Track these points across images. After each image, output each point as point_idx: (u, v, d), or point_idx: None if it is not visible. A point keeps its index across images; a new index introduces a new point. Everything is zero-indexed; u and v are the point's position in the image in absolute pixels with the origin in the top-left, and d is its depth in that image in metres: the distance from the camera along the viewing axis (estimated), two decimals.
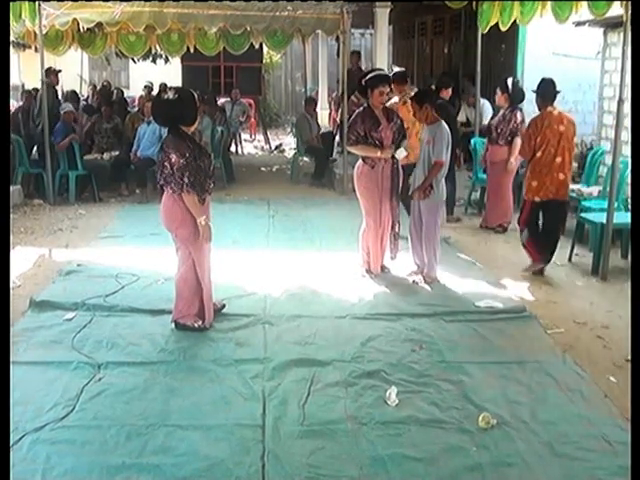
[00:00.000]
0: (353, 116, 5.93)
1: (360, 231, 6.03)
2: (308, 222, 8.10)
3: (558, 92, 5.97)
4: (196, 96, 4.61)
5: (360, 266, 6.08)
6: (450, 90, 8.00)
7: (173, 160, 4.45)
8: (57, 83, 11.03)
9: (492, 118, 7.94)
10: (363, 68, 12.36)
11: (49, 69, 10.12)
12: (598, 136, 8.80)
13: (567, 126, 5.93)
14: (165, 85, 13.31)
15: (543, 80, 6.03)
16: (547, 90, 5.96)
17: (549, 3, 7.00)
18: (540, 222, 6.14)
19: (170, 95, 4.50)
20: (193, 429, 3.52)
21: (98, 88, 15.27)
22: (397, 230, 5.96)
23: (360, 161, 5.88)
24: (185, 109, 4.50)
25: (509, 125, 7.47)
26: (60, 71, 10.95)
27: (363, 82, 5.80)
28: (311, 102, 11.61)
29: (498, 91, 7.55)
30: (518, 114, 7.46)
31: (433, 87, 7.94)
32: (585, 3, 6.36)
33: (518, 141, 7.13)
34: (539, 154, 5.92)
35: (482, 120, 9.43)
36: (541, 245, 6.07)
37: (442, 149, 5.69)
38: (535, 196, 5.99)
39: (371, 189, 5.81)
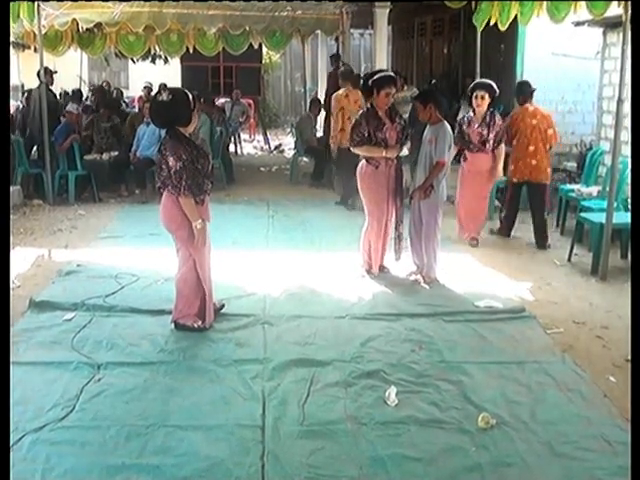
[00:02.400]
0: (357, 117, 5.92)
1: (362, 231, 6.03)
2: (307, 222, 8.10)
3: (534, 90, 7.11)
4: (191, 96, 4.56)
5: (360, 266, 6.08)
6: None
7: (170, 163, 4.45)
8: (52, 83, 11.02)
9: (466, 125, 6.98)
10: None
11: (45, 69, 10.08)
12: (597, 136, 8.80)
13: (540, 120, 7.06)
14: (165, 85, 13.30)
15: (520, 82, 7.48)
16: (524, 90, 7.17)
17: (545, 3, 7.00)
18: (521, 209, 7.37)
19: (164, 96, 4.47)
20: (193, 429, 3.52)
21: (92, 87, 15.23)
22: (401, 230, 5.96)
23: (363, 161, 5.87)
24: (180, 110, 4.48)
25: (494, 130, 6.88)
26: (56, 72, 10.93)
27: (369, 82, 5.79)
28: (317, 103, 11.61)
29: (485, 95, 6.82)
30: (497, 117, 6.96)
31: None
32: (584, 3, 6.36)
33: (502, 147, 6.99)
34: (515, 143, 7.08)
35: None
36: (509, 223, 7.35)
37: (444, 149, 5.69)
38: (513, 177, 7.17)
39: (375, 189, 5.81)
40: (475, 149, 6.99)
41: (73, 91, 12.75)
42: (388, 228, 5.96)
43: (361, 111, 5.94)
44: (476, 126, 6.93)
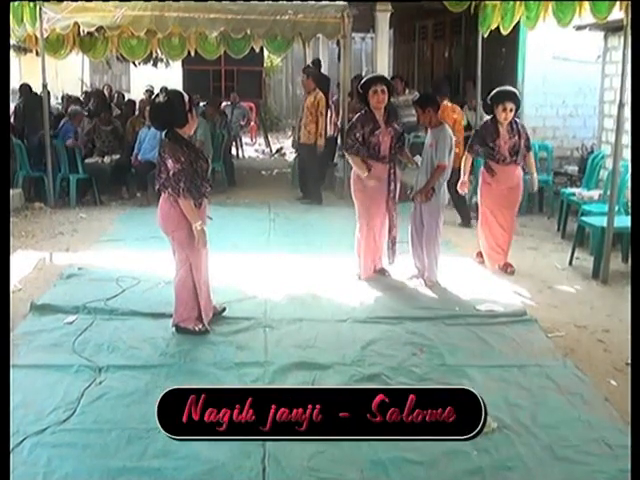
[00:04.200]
0: (353, 119, 5.94)
1: (355, 235, 6.02)
2: (308, 225, 8.11)
3: (449, 89, 8.29)
4: (187, 97, 4.56)
5: (357, 269, 6.06)
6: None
7: (169, 166, 4.47)
8: (30, 91, 11.22)
9: (492, 137, 6.17)
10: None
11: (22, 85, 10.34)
12: (599, 140, 8.81)
13: (458, 113, 8.26)
14: (165, 89, 13.31)
15: (439, 80, 8.76)
16: (443, 88, 8.24)
17: (551, 7, 7.00)
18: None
19: (160, 98, 4.53)
20: None
21: (90, 91, 15.20)
22: (395, 234, 5.95)
23: None
24: (175, 111, 4.49)
25: (524, 137, 6.22)
26: (29, 86, 11.17)
27: (359, 88, 5.86)
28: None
29: (512, 105, 6.04)
30: (520, 124, 6.33)
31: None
32: (587, 5, 6.35)
33: (531, 154, 6.41)
34: None
35: None
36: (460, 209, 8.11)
37: (445, 152, 5.70)
38: None
39: (368, 193, 5.81)
40: (507, 161, 6.18)
41: (71, 98, 12.82)
42: (382, 231, 5.95)
43: (358, 114, 5.95)
44: (507, 137, 6.15)
